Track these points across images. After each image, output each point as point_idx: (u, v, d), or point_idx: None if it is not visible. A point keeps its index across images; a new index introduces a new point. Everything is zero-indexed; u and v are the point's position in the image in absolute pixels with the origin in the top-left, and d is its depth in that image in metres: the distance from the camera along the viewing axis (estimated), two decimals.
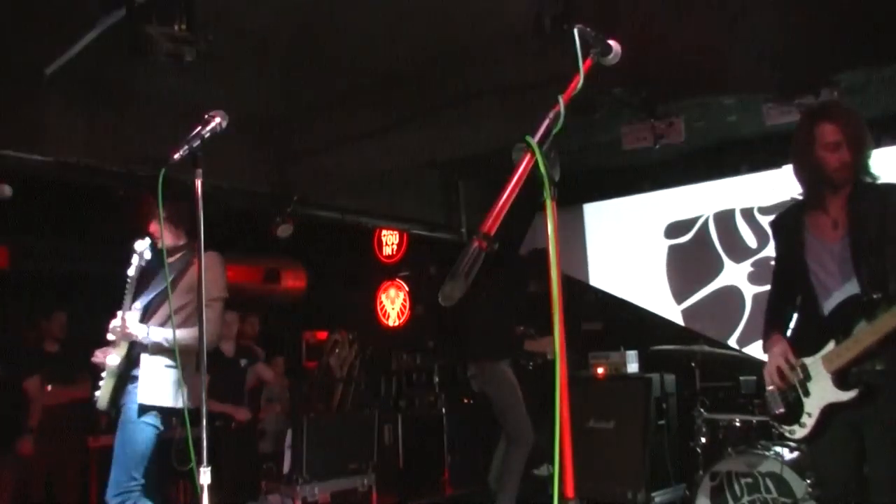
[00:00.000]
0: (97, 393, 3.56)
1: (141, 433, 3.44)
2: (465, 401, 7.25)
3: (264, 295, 8.70)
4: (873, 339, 2.45)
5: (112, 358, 3.49)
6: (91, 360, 3.61)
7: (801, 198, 2.78)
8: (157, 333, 3.46)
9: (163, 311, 3.53)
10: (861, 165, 2.63)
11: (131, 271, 3.64)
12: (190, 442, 2.64)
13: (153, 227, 3.66)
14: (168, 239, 3.65)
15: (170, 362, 3.46)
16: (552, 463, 1.46)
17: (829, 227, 2.67)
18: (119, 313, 3.51)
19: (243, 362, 6.20)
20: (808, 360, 2.65)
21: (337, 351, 7.33)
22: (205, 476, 2.57)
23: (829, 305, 2.62)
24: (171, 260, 3.63)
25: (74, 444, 5.75)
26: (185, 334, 3.46)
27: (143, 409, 3.43)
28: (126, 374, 3.53)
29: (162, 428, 3.46)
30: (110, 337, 3.53)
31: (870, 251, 2.53)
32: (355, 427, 6.16)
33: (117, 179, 5.05)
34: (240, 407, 5.84)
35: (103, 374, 3.54)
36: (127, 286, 3.62)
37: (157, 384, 3.45)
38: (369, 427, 6.20)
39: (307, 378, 7.79)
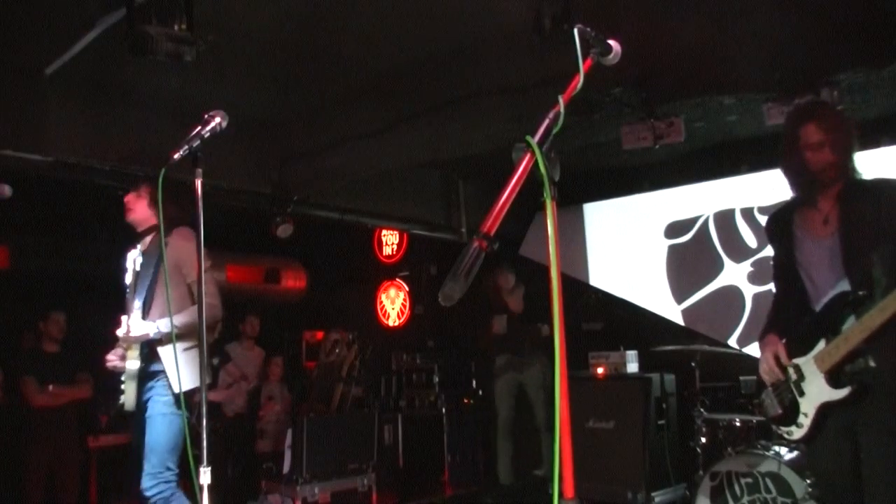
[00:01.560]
0: (122, 398, 3.56)
1: (171, 424, 3.47)
2: (466, 401, 7.25)
3: (264, 295, 8.70)
4: (862, 335, 2.46)
5: (132, 363, 3.51)
6: (107, 366, 3.62)
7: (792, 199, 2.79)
8: (166, 325, 3.45)
9: (160, 300, 3.54)
10: (846, 165, 2.64)
11: (128, 279, 3.69)
12: (188, 435, 2.64)
13: (128, 198, 3.77)
14: (140, 216, 3.74)
15: (186, 345, 3.46)
16: (552, 463, 1.46)
17: (819, 223, 2.68)
18: (123, 319, 3.53)
19: (215, 361, 6.14)
20: (800, 361, 2.66)
21: (337, 351, 7.32)
22: (205, 476, 2.56)
23: (819, 304, 2.63)
24: (147, 240, 3.71)
25: (74, 444, 5.75)
26: (190, 316, 3.49)
27: (178, 399, 3.44)
28: (144, 372, 3.54)
29: (189, 414, 3.44)
30: (122, 344, 3.55)
31: (860, 248, 2.53)
32: (355, 427, 6.16)
33: (117, 179, 5.05)
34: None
35: (123, 378, 3.55)
36: (127, 294, 3.68)
37: (185, 370, 3.43)
38: (369, 427, 6.21)
39: (306, 377, 7.79)
